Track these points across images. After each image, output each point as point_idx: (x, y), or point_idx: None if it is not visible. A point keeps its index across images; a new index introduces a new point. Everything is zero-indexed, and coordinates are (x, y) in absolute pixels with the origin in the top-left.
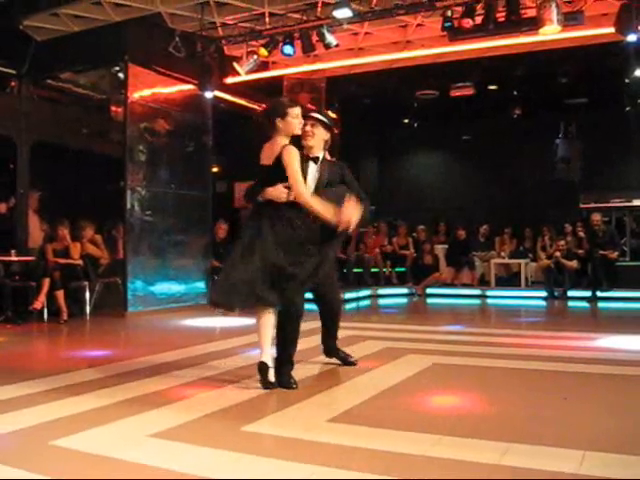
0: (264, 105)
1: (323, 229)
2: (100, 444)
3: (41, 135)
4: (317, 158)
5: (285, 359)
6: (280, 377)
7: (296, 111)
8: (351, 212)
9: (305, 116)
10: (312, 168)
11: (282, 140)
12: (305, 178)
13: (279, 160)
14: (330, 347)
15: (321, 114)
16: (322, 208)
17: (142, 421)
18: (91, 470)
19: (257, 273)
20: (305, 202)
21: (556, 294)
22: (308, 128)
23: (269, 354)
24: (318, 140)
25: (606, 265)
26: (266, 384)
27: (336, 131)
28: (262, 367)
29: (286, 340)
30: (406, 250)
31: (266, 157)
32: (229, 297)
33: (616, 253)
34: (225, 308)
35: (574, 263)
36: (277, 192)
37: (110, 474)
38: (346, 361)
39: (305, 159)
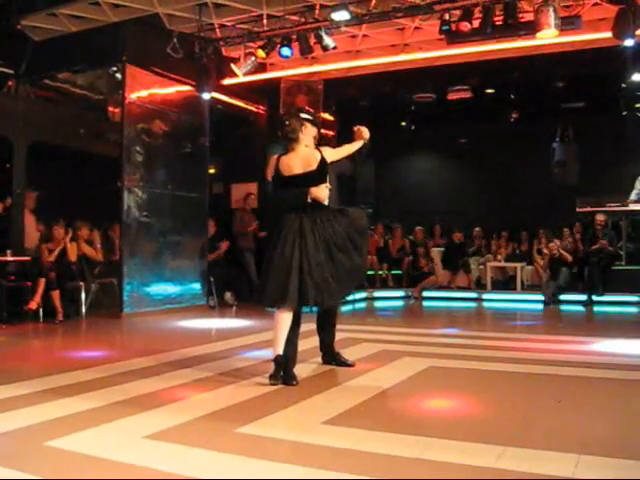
0: (284, 120)
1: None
2: (95, 445)
3: (38, 135)
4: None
5: (291, 358)
6: (284, 374)
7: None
8: (363, 130)
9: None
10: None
11: (305, 148)
12: None
13: (322, 163)
14: (331, 351)
15: (305, 112)
16: (353, 146)
17: (137, 422)
18: (86, 471)
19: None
20: (349, 153)
21: (544, 298)
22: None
23: (282, 349)
24: (309, 138)
25: (602, 268)
26: (276, 379)
27: (332, 133)
28: (281, 360)
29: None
30: (402, 252)
31: (295, 167)
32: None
33: (612, 248)
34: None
35: (569, 257)
36: (322, 192)
37: (105, 475)
38: (346, 364)
39: None
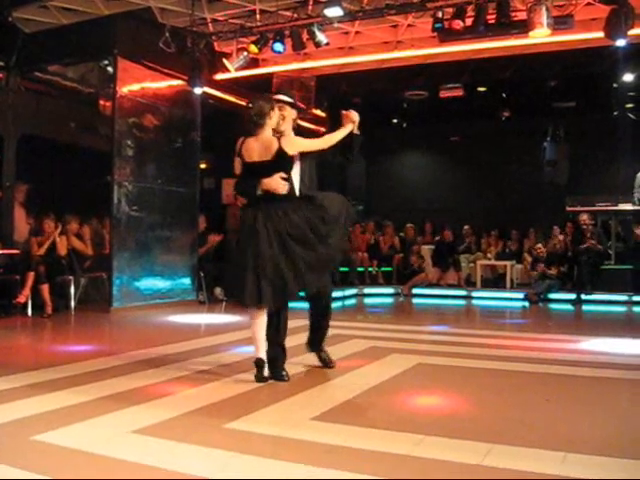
0: (249, 103)
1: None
2: (82, 440)
3: (28, 128)
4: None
5: (280, 352)
6: (274, 370)
7: (279, 105)
8: (353, 115)
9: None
10: None
11: (269, 134)
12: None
13: (280, 153)
14: (318, 346)
15: (284, 94)
16: (340, 133)
17: (125, 417)
18: (73, 466)
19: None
20: (328, 144)
21: (526, 296)
22: (279, 113)
23: (264, 350)
24: (289, 122)
25: (591, 267)
26: (261, 379)
27: (324, 130)
28: (260, 363)
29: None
30: (393, 249)
31: (255, 153)
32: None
33: (600, 247)
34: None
35: (552, 271)
36: (275, 182)
37: (92, 469)
38: (326, 364)
39: None
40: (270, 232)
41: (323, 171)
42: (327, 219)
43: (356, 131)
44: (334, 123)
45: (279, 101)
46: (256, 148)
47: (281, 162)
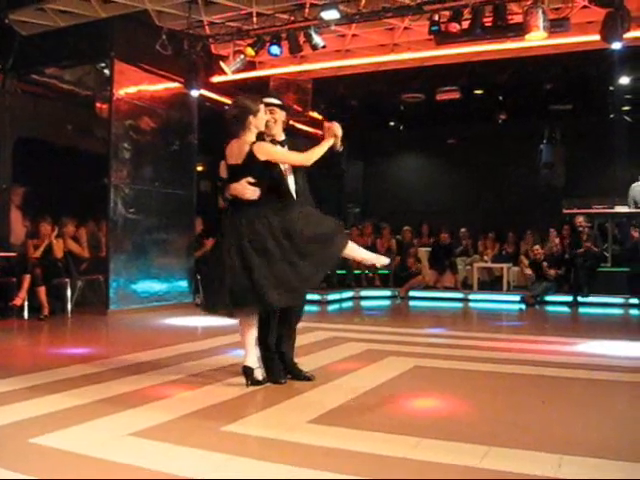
0: (233, 102)
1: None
2: (79, 442)
3: (25, 130)
4: (283, 141)
5: (275, 356)
6: (270, 373)
7: (262, 107)
8: (335, 128)
9: (267, 104)
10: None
11: (250, 137)
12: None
13: (250, 157)
14: (288, 358)
15: (273, 96)
16: (321, 148)
17: (121, 420)
18: (70, 468)
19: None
20: (311, 161)
21: (523, 298)
22: (269, 116)
23: (254, 356)
24: (279, 125)
25: (587, 270)
26: (254, 384)
27: (321, 132)
28: (247, 371)
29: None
30: (390, 252)
31: (232, 156)
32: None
33: (597, 249)
34: (225, 315)
35: (552, 272)
36: (241, 188)
37: (89, 472)
38: (301, 377)
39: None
40: (232, 240)
41: (320, 175)
42: (305, 234)
43: (339, 147)
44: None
45: (269, 104)
46: (234, 150)
47: (250, 167)
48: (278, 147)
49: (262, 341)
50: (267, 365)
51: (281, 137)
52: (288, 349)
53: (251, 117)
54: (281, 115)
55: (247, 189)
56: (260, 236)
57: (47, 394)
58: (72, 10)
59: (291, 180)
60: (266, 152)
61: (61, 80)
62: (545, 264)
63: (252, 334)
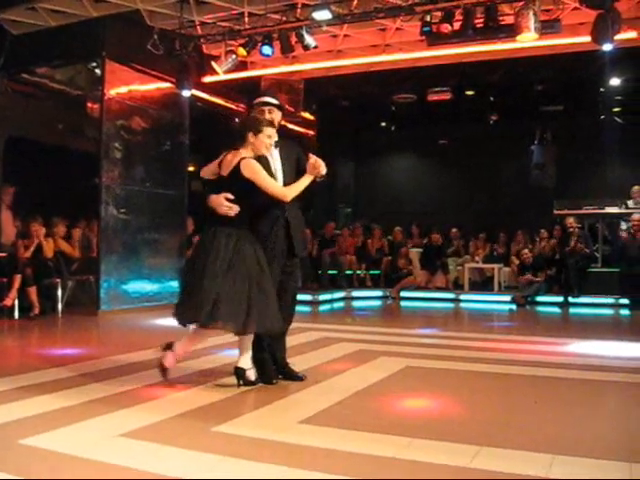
0: (245, 115)
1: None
2: (70, 443)
3: (15, 130)
4: (276, 142)
5: (267, 357)
6: (262, 374)
7: (269, 131)
8: (320, 166)
9: (261, 104)
10: (274, 153)
11: (246, 153)
12: (269, 167)
13: (235, 171)
14: (280, 359)
15: (271, 96)
16: (301, 184)
17: (112, 420)
18: (60, 469)
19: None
20: (290, 197)
21: (513, 298)
22: (268, 116)
23: (248, 358)
24: (276, 125)
25: (578, 270)
26: (247, 384)
27: (312, 133)
28: (239, 372)
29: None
30: (381, 252)
31: (225, 167)
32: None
33: (587, 250)
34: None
35: (542, 275)
36: (217, 201)
37: (80, 473)
38: (293, 377)
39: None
40: (198, 251)
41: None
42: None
43: (319, 178)
44: (322, 126)
45: (267, 104)
46: (227, 162)
47: (234, 181)
48: (263, 172)
49: (254, 342)
50: (259, 366)
51: (275, 138)
52: (280, 350)
53: (250, 134)
54: (278, 116)
55: (223, 204)
56: (221, 254)
57: (37, 395)
58: (63, 9)
59: (279, 180)
60: (251, 171)
61: (52, 79)
62: (528, 276)
63: (249, 337)
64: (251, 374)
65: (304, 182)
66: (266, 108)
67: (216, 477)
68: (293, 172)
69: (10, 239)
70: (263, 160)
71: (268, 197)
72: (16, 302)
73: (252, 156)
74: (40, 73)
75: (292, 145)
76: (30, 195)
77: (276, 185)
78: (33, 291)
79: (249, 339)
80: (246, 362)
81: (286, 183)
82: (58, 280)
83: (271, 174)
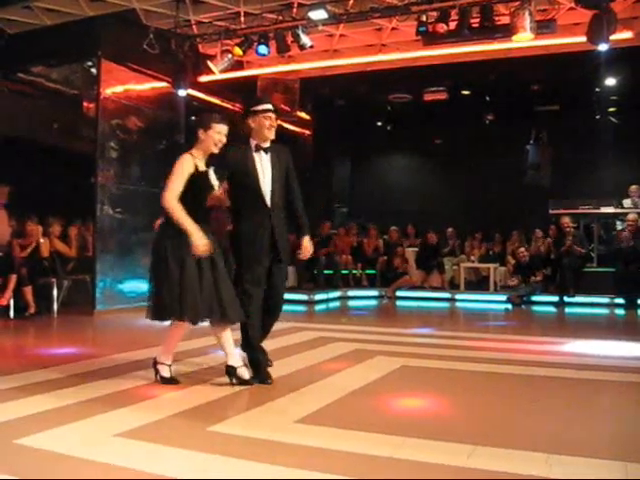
0: (241, 116)
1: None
2: (66, 443)
3: (11, 129)
4: (267, 147)
5: (262, 356)
6: (258, 373)
7: (219, 128)
8: (308, 248)
9: (265, 110)
10: (265, 158)
11: (195, 152)
12: (256, 171)
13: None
14: None
15: (267, 102)
16: (186, 221)
17: (108, 420)
18: (56, 469)
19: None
20: (169, 208)
21: (509, 298)
22: (269, 122)
23: (236, 355)
24: (273, 129)
25: (573, 270)
26: (242, 383)
27: (308, 132)
28: (230, 370)
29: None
30: (377, 252)
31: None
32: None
33: (583, 250)
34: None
35: (538, 275)
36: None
37: (75, 473)
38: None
39: (252, 152)
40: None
41: (310, 174)
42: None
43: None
44: (318, 125)
45: (267, 110)
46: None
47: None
48: (181, 173)
49: (249, 343)
50: (254, 366)
51: (269, 143)
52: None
53: (201, 131)
54: (273, 119)
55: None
56: (154, 253)
57: (33, 394)
58: (59, 8)
59: (268, 190)
60: (175, 166)
61: (48, 79)
62: (518, 278)
63: (227, 335)
64: (243, 372)
65: (188, 224)
66: (270, 115)
67: (211, 477)
68: (282, 178)
69: (5, 239)
70: (203, 174)
71: (248, 200)
72: (11, 302)
73: (199, 155)
74: (36, 72)
75: (284, 151)
76: (25, 194)
77: (172, 190)
78: (28, 291)
79: (229, 337)
80: (235, 360)
81: (274, 188)
82: (54, 280)
83: (209, 186)
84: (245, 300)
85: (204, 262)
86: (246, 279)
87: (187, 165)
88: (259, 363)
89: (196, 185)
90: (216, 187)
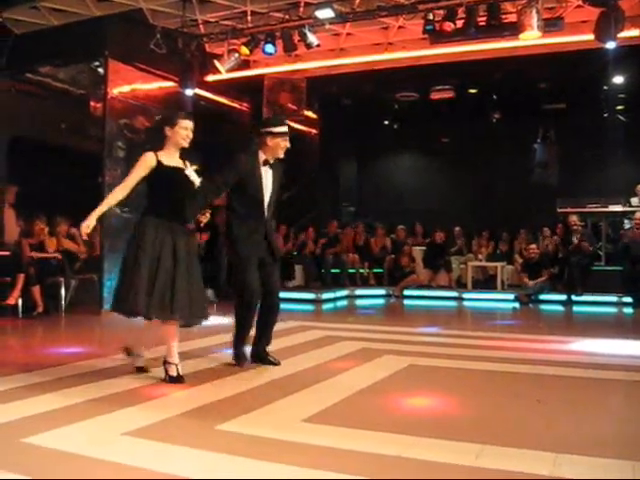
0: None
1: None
2: (73, 442)
3: (19, 129)
4: (271, 164)
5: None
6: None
7: (185, 124)
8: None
9: (282, 133)
10: (269, 173)
11: (165, 150)
12: (262, 183)
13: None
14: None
15: (287, 124)
16: (99, 207)
17: (116, 419)
18: (64, 468)
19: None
20: (106, 201)
21: (517, 297)
22: (284, 144)
23: (172, 353)
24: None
25: (581, 268)
26: (171, 380)
27: (315, 131)
28: (164, 365)
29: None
30: (384, 251)
31: None
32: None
33: (590, 248)
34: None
35: (546, 273)
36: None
37: (83, 472)
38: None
39: (260, 165)
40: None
41: (317, 173)
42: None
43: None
44: (325, 124)
45: (285, 133)
46: None
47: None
48: (139, 172)
49: (241, 338)
50: (240, 360)
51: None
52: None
53: (167, 128)
54: (287, 141)
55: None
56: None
57: (41, 393)
58: (66, 8)
59: (266, 200)
60: (138, 161)
61: (55, 79)
62: (525, 276)
63: (174, 331)
64: (171, 369)
65: (98, 210)
66: (286, 137)
67: (220, 476)
68: (276, 193)
69: (13, 238)
70: (171, 169)
71: (248, 206)
72: (19, 301)
73: (169, 152)
74: (43, 72)
75: (280, 168)
76: (33, 194)
77: (124, 182)
78: (37, 290)
79: (171, 332)
80: (177, 356)
81: (271, 201)
82: (61, 279)
83: (182, 182)
84: (243, 296)
85: (164, 259)
86: (242, 277)
87: (146, 160)
88: (245, 359)
89: (163, 179)
90: (196, 183)
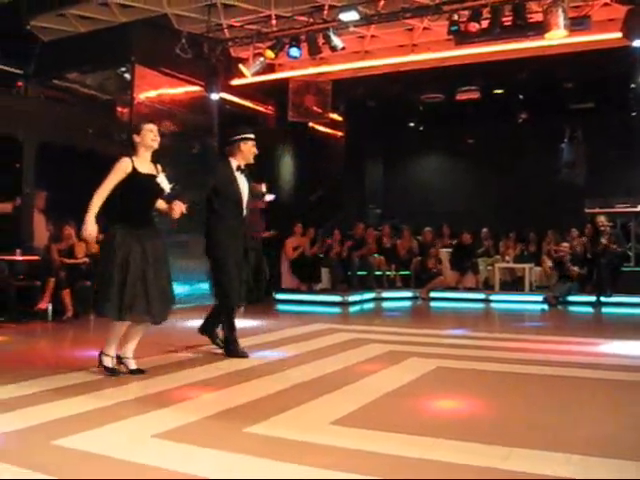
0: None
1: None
2: (103, 444)
3: (47, 135)
4: (243, 169)
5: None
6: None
7: (150, 127)
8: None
9: (248, 139)
10: (242, 176)
11: (139, 156)
12: (238, 185)
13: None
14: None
15: (250, 131)
16: (89, 211)
17: (145, 421)
18: (93, 470)
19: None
20: (94, 205)
21: (545, 298)
22: (254, 150)
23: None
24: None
25: (610, 269)
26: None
27: (341, 134)
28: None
29: None
30: (411, 253)
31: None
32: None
33: (619, 249)
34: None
35: (576, 269)
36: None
37: (113, 474)
38: (214, 342)
39: (237, 170)
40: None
41: (343, 176)
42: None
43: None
44: (351, 127)
45: (254, 139)
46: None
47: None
48: (114, 177)
49: (231, 323)
50: (233, 343)
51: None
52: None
53: (135, 136)
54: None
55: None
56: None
57: (70, 396)
58: (92, 15)
59: (244, 200)
60: (114, 166)
61: (82, 85)
62: (569, 263)
63: (141, 330)
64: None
65: (90, 214)
66: (254, 143)
67: (247, 478)
68: (249, 194)
69: (43, 243)
70: (144, 176)
71: (229, 207)
72: (50, 305)
73: (142, 157)
74: (71, 79)
75: (248, 174)
76: (62, 199)
77: (101, 187)
78: (67, 294)
79: (138, 331)
80: (129, 352)
81: (246, 201)
82: (90, 283)
83: (153, 189)
84: (227, 284)
85: (137, 261)
86: (229, 268)
87: (122, 165)
88: (236, 342)
89: (135, 187)
90: (167, 190)
